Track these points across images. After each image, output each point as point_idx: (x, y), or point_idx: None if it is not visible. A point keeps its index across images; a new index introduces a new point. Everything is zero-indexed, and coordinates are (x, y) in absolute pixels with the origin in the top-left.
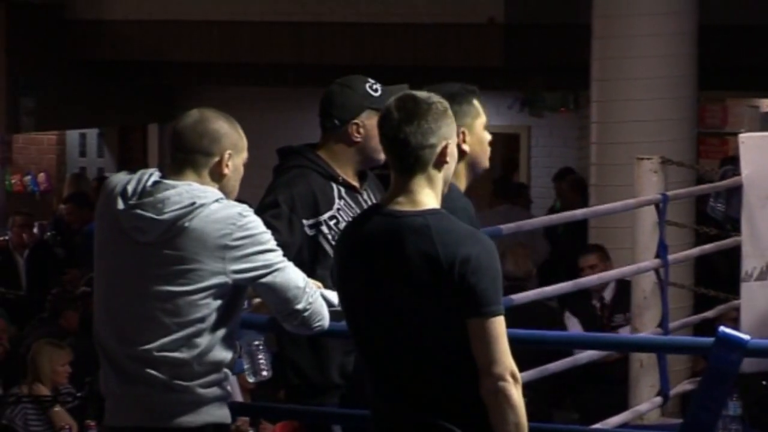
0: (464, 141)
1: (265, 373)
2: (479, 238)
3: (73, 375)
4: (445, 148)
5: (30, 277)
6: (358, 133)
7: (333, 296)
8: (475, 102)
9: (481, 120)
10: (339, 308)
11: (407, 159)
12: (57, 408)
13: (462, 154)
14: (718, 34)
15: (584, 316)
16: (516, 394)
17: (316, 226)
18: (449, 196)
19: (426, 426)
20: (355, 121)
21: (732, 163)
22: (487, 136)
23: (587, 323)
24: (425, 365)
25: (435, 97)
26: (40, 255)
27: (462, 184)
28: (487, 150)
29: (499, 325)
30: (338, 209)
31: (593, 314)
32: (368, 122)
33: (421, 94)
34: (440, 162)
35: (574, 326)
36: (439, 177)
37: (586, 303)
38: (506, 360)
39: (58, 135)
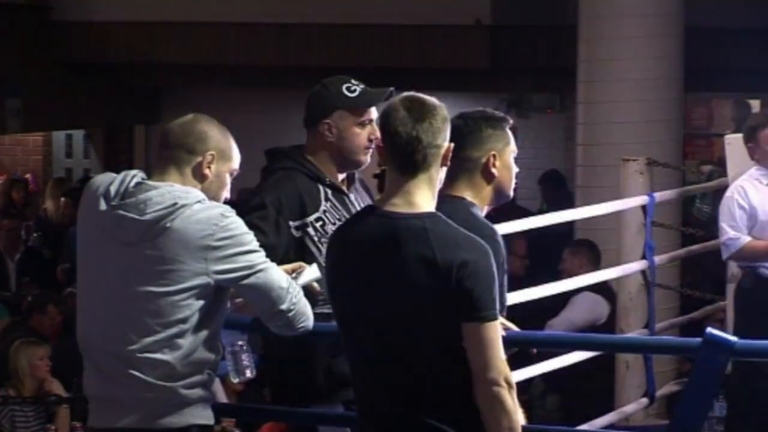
0: (494, 165)
1: (249, 373)
2: (477, 243)
3: (60, 376)
4: (448, 150)
5: (20, 279)
6: (330, 132)
7: (311, 272)
8: (508, 130)
9: (511, 148)
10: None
11: (415, 157)
12: (62, 408)
13: (491, 177)
14: (704, 35)
15: None
16: (509, 399)
17: (303, 227)
18: (476, 224)
19: (420, 427)
20: (327, 120)
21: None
22: (514, 166)
23: None
24: (420, 367)
25: (435, 100)
26: (31, 260)
27: (484, 209)
28: (513, 179)
29: (493, 330)
30: (324, 211)
31: None
32: (340, 122)
33: (423, 96)
34: (442, 164)
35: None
36: (437, 179)
37: None
38: (500, 365)
39: (44, 136)
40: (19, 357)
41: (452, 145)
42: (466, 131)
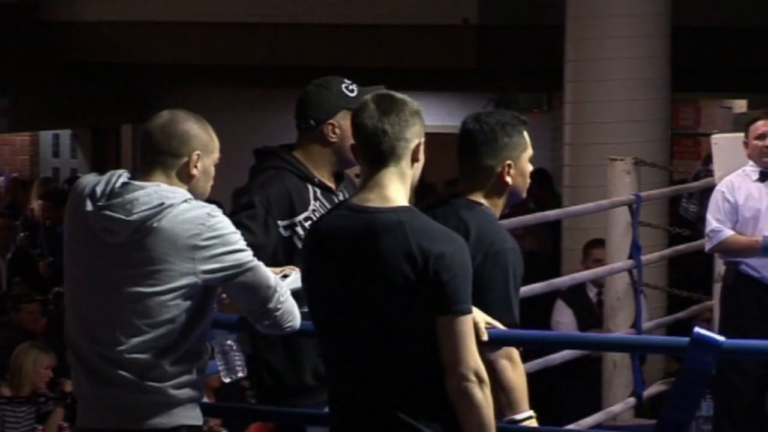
0: (508, 174)
1: (240, 372)
2: (453, 236)
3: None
4: (418, 146)
5: (11, 279)
6: (334, 133)
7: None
8: (525, 134)
9: (528, 153)
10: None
11: (382, 149)
12: (58, 409)
13: (505, 186)
14: (691, 35)
15: (579, 309)
16: (479, 394)
17: (291, 227)
18: (498, 236)
19: (392, 423)
20: (331, 121)
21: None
22: (529, 168)
23: (582, 316)
24: (395, 362)
25: (407, 97)
26: (21, 259)
27: (498, 213)
28: (528, 182)
29: (466, 324)
30: (313, 210)
31: (589, 308)
32: (344, 122)
33: (394, 92)
34: (413, 159)
35: (567, 317)
36: (410, 174)
37: (583, 296)
38: (471, 360)
39: (31, 136)
40: (27, 359)
41: (421, 141)
42: (482, 139)
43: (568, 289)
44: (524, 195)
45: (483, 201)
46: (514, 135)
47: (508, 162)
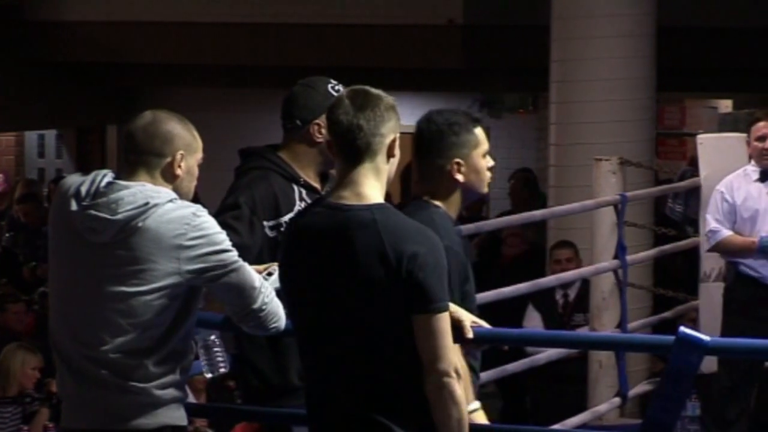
0: (458, 172)
1: (222, 368)
2: (427, 234)
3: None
4: (394, 141)
5: None
6: (320, 133)
7: None
8: (476, 131)
9: (480, 150)
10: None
11: (358, 145)
12: (43, 409)
13: (455, 184)
14: (676, 35)
15: (546, 312)
16: (459, 390)
17: (277, 227)
18: (443, 229)
19: (367, 423)
20: (317, 121)
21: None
22: (487, 163)
23: (548, 319)
24: (369, 361)
25: (383, 92)
26: (7, 260)
27: (453, 211)
28: (486, 177)
29: (444, 321)
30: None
31: (555, 311)
32: None
33: (371, 88)
34: (388, 155)
35: (534, 321)
36: (385, 170)
37: (550, 299)
38: (450, 356)
39: (16, 136)
40: (15, 359)
41: (397, 137)
42: (429, 138)
43: (537, 293)
44: (484, 190)
45: (436, 200)
46: (462, 133)
47: (457, 160)
